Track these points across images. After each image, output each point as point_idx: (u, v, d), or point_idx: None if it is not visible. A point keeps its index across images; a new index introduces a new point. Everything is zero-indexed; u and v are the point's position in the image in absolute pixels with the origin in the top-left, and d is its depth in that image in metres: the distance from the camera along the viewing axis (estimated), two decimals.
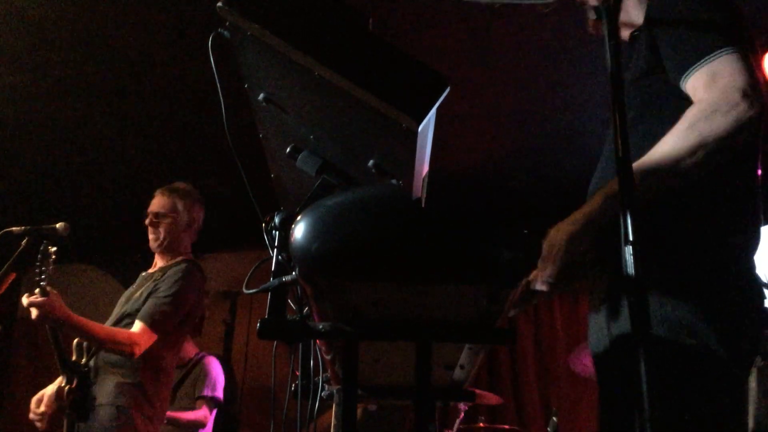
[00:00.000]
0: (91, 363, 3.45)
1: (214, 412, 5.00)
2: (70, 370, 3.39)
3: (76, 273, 7.01)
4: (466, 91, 4.55)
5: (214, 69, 1.54)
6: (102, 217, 6.43)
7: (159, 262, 3.72)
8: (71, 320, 3.23)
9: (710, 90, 1.58)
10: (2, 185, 6.01)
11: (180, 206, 3.72)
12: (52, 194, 6.15)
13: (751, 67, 1.58)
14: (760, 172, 1.75)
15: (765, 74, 1.74)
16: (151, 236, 3.69)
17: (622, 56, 1.66)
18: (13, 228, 3.41)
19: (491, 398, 5.03)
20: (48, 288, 3.21)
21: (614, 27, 1.40)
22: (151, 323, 3.33)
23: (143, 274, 3.77)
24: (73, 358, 3.50)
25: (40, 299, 3.15)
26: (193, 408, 4.91)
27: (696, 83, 1.62)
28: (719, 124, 1.54)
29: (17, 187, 6.07)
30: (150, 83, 4.65)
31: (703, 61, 1.61)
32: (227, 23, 1.33)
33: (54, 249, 3.30)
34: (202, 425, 4.91)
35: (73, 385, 3.36)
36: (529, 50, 4.19)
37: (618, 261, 1.22)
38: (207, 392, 4.97)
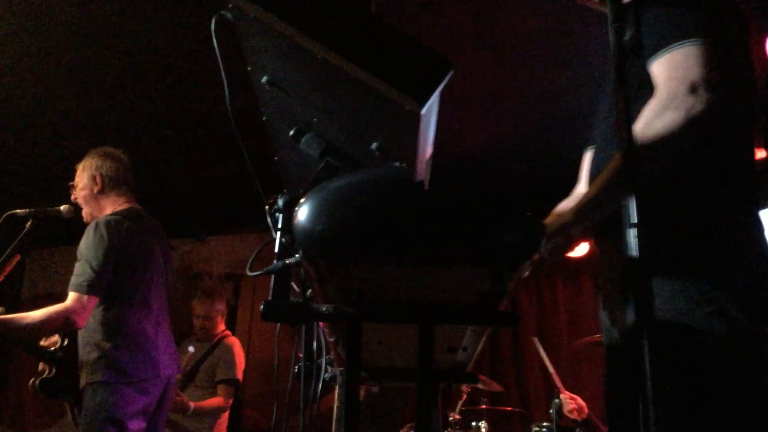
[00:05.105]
0: (80, 347, 3.44)
1: (233, 393, 5.11)
2: (47, 359, 3.38)
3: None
4: (469, 73, 4.53)
5: (217, 51, 1.54)
6: None
7: None
8: None
9: (666, 84, 1.63)
10: (6, 169, 6.02)
11: (80, 172, 3.71)
12: (55, 177, 6.15)
13: (713, 59, 1.62)
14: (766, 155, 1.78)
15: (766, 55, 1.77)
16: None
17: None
18: (18, 210, 3.42)
19: (493, 385, 5.05)
20: None
21: (618, 7, 1.39)
22: (79, 289, 3.28)
23: None
24: (64, 344, 3.50)
25: None
26: (212, 388, 4.99)
27: (657, 72, 1.67)
28: (671, 120, 1.59)
29: (20, 170, 6.08)
30: (153, 66, 4.63)
31: (666, 49, 1.65)
32: (230, 5, 1.33)
33: None
34: (224, 410, 5.01)
35: (51, 374, 3.36)
36: (533, 32, 4.16)
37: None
38: (228, 375, 5.09)
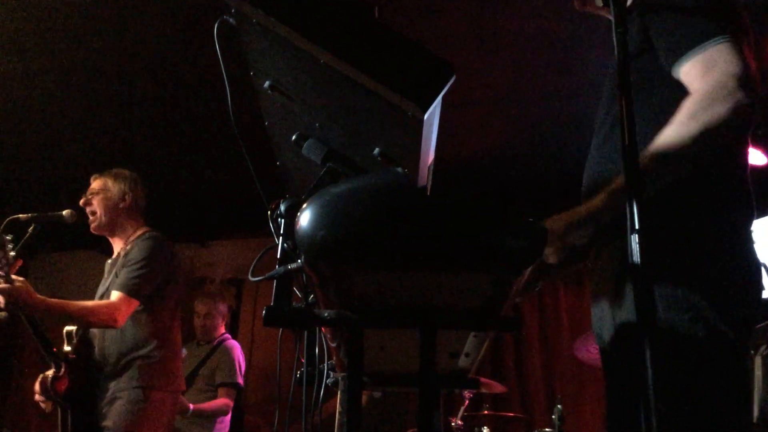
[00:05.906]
0: (109, 353, 3.47)
1: (234, 396, 5.08)
2: (56, 358, 3.40)
3: (81, 259, 7.02)
4: (472, 78, 4.53)
5: (219, 56, 1.54)
6: None
7: (117, 246, 3.77)
8: (44, 303, 3.28)
9: (706, 79, 1.60)
10: (7, 173, 6.02)
11: (110, 183, 3.76)
12: (57, 181, 6.16)
13: (743, 56, 1.60)
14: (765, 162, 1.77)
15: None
16: (89, 220, 3.73)
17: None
18: (20, 215, 3.42)
19: (495, 387, 5.04)
20: (13, 276, 3.23)
21: (621, 13, 1.38)
22: (128, 290, 3.41)
23: (108, 261, 3.82)
24: (64, 346, 3.51)
25: (3, 286, 3.17)
26: (212, 392, 4.98)
27: (691, 71, 1.64)
28: (718, 112, 1.56)
29: (22, 174, 6.08)
30: (155, 70, 4.64)
31: (697, 48, 1.63)
32: (233, 10, 1.33)
33: (10, 237, 3.28)
34: (225, 413, 4.99)
35: (60, 374, 3.38)
36: (535, 37, 4.17)
37: (621, 248, 1.23)
38: (228, 379, 5.07)
